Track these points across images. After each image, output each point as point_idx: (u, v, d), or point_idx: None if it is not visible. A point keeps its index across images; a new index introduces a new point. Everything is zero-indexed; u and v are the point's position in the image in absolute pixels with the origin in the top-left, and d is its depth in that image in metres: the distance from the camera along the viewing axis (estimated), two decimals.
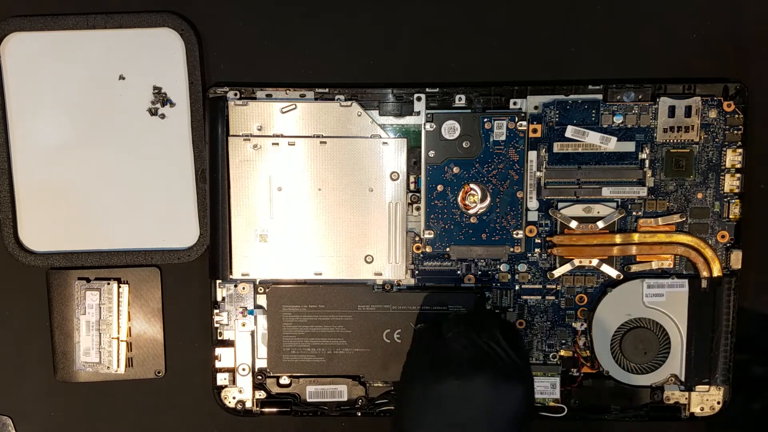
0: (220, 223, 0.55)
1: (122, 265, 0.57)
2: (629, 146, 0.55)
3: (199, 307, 0.58)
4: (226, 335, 0.57)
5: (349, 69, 0.56)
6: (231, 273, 0.56)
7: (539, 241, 0.56)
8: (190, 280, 0.58)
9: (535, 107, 0.55)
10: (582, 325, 0.56)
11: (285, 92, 0.55)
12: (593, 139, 0.54)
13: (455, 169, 0.55)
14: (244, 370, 0.57)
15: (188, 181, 0.57)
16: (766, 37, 0.55)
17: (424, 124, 0.55)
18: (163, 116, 0.56)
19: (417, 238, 0.56)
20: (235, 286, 0.57)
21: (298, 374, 0.57)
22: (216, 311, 0.57)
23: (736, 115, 0.54)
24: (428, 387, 0.47)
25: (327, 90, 0.55)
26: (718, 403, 0.56)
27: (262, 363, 0.57)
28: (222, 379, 0.57)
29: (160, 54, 0.55)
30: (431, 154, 0.55)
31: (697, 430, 0.58)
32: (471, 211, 0.55)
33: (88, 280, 0.57)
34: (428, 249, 0.56)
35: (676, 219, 0.55)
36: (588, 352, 0.56)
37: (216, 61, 0.56)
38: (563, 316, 0.57)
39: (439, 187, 0.55)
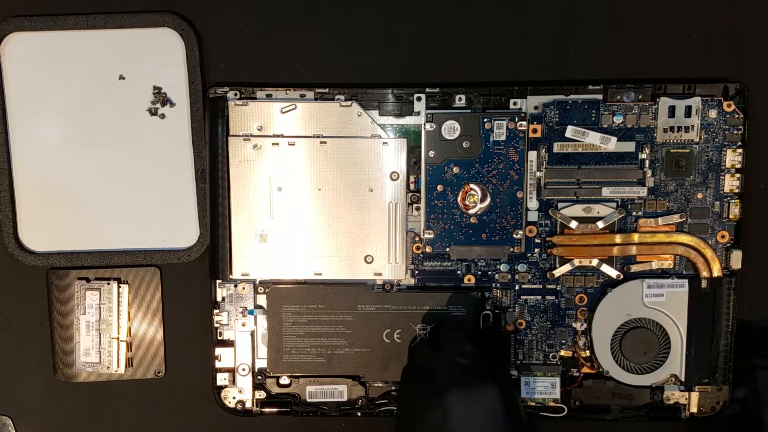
0: (220, 223, 0.55)
1: (122, 265, 0.57)
2: (629, 146, 0.55)
3: (199, 307, 0.58)
4: (226, 335, 0.57)
5: (349, 69, 0.56)
6: (231, 273, 0.56)
7: (539, 241, 0.56)
8: (190, 280, 0.58)
9: (535, 107, 0.55)
10: (582, 325, 0.56)
11: (285, 92, 0.55)
12: (593, 139, 0.54)
13: (455, 169, 0.55)
14: (244, 370, 0.57)
15: (188, 181, 0.57)
16: (766, 37, 0.55)
17: (424, 124, 0.55)
18: (163, 116, 0.56)
19: (417, 238, 0.56)
20: (235, 286, 0.57)
21: (298, 374, 0.57)
22: (216, 311, 0.57)
23: (736, 115, 0.54)
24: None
25: (327, 90, 0.55)
26: (718, 403, 0.56)
27: (262, 363, 0.57)
28: (222, 379, 0.57)
29: (160, 54, 0.55)
30: (431, 154, 0.55)
31: (697, 430, 0.58)
32: (471, 211, 0.55)
33: (88, 280, 0.57)
34: (428, 249, 0.56)
35: (676, 219, 0.55)
36: (588, 352, 0.56)
37: (216, 61, 0.56)
38: (563, 316, 0.57)
39: (439, 187, 0.55)
